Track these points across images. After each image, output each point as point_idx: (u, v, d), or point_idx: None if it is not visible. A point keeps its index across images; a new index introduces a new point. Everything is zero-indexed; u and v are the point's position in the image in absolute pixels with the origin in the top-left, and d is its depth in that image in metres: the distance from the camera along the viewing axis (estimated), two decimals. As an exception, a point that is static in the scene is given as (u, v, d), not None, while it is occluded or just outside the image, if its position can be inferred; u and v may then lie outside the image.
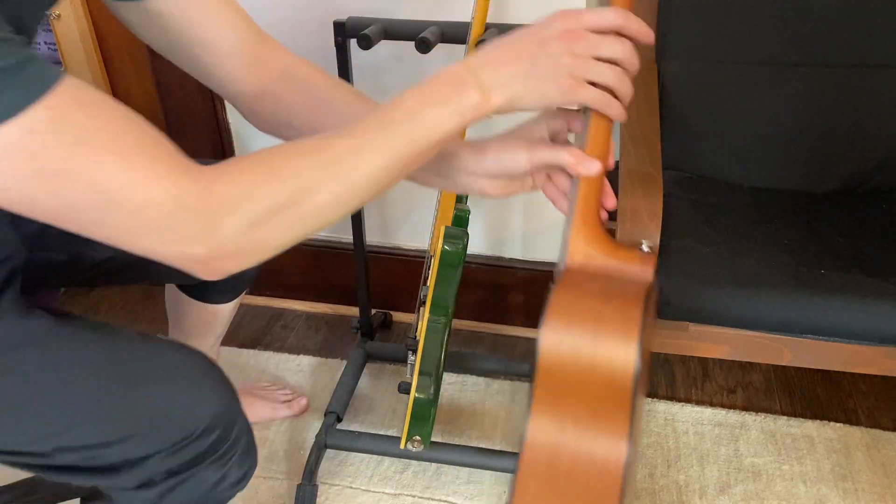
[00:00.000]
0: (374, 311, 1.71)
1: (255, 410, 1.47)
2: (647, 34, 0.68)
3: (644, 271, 0.73)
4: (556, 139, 0.79)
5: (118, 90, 1.64)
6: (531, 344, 1.68)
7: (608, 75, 0.68)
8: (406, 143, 0.66)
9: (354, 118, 0.69)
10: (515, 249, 1.64)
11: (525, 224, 1.60)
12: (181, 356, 0.84)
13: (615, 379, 0.69)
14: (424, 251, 1.68)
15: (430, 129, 0.66)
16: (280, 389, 1.53)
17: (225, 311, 1.26)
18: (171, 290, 1.24)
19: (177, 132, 1.60)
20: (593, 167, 0.72)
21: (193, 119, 1.58)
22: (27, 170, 0.52)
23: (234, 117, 1.59)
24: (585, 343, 0.70)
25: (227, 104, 1.58)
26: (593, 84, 0.68)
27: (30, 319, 0.81)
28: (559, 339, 0.71)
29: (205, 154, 1.60)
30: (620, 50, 0.67)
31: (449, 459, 1.33)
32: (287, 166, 0.62)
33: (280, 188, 0.61)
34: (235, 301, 1.26)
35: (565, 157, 0.73)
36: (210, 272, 0.62)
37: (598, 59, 0.67)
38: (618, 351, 0.69)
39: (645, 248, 0.84)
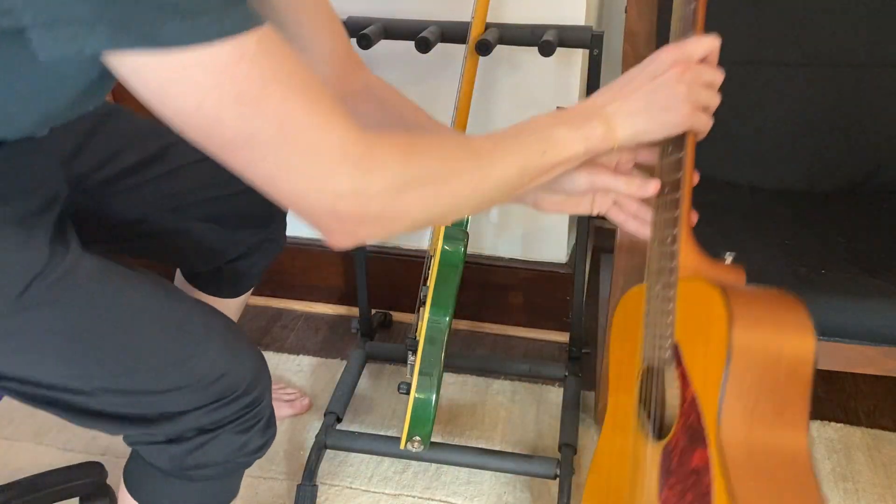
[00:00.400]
0: (374, 311, 1.71)
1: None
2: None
3: (738, 280, 0.81)
4: (619, 168, 0.83)
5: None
6: (531, 344, 1.68)
7: (715, 100, 0.74)
8: (537, 155, 0.70)
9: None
10: (515, 249, 1.64)
11: (525, 224, 1.60)
12: (225, 319, 0.87)
13: (796, 370, 0.71)
14: (424, 251, 1.68)
15: (559, 148, 0.71)
16: (283, 388, 1.53)
17: (231, 307, 1.26)
18: (179, 282, 1.25)
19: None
20: (651, 188, 0.81)
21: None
22: (227, 89, 0.55)
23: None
24: (771, 338, 0.72)
25: None
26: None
27: (96, 257, 0.81)
28: (749, 336, 0.72)
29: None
30: (719, 75, 0.74)
31: (449, 459, 1.33)
32: (439, 146, 0.67)
33: (430, 163, 0.65)
34: (242, 297, 1.27)
35: (622, 186, 0.80)
36: (345, 234, 0.64)
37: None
38: (797, 342, 0.71)
39: (728, 259, 0.92)
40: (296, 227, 1.69)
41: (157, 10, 0.51)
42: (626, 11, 1.51)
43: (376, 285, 1.72)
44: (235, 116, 0.56)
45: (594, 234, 1.92)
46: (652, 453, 0.82)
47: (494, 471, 1.36)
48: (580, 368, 1.51)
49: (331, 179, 0.61)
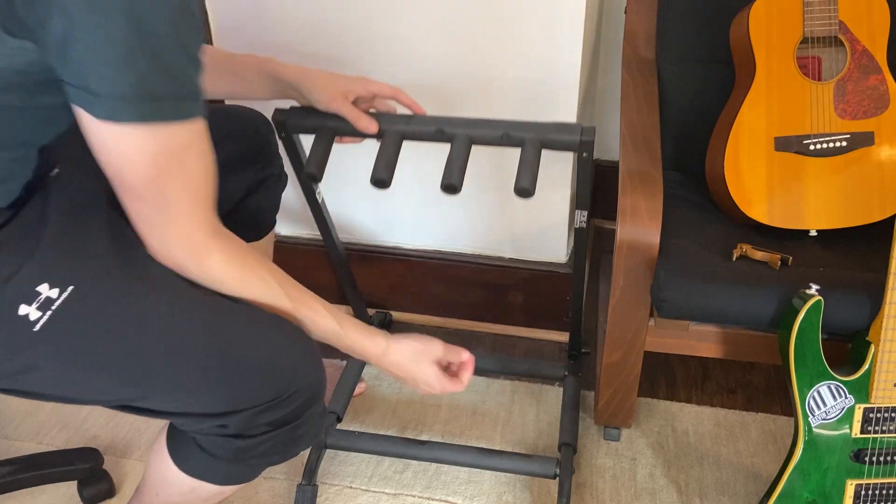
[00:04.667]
0: (374, 311, 1.71)
1: None
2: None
3: None
4: (356, 103, 1.11)
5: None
6: (531, 344, 1.69)
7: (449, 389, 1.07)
8: (320, 337, 0.97)
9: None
10: (515, 249, 1.64)
11: (525, 224, 1.60)
12: (288, 327, 0.94)
13: None
14: (424, 251, 1.68)
15: (341, 346, 0.99)
16: (337, 369, 1.55)
17: (260, 251, 1.29)
18: None
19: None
20: (372, 128, 1.10)
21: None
22: (159, 158, 0.77)
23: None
24: None
25: None
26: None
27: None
28: None
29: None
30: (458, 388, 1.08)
31: (449, 459, 1.33)
32: (253, 290, 0.90)
33: (239, 293, 0.90)
34: (267, 240, 1.34)
35: (359, 121, 1.09)
36: (161, 260, 0.85)
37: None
38: None
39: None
40: (296, 227, 1.70)
41: (127, 98, 0.72)
42: (626, 11, 1.51)
43: (376, 285, 1.72)
44: (150, 178, 0.77)
45: (594, 234, 1.92)
46: (822, 89, 1.26)
47: (494, 470, 1.36)
48: (580, 368, 1.51)
49: (176, 250, 0.84)
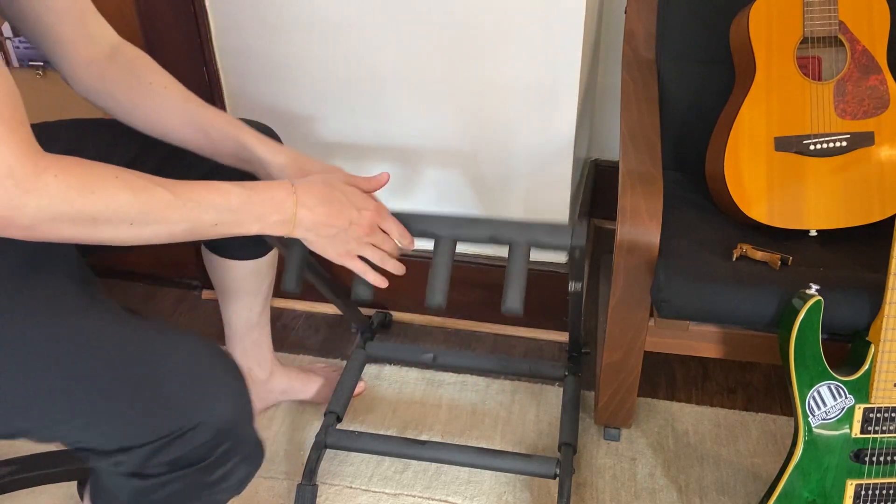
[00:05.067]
0: (373, 311, 1.71)
1: (317, 391, 1.51)
2: (409, 242, 1.02)
3: None
4: None
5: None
6: (531, 344, 1.69)
7: (375, 257, 0.98)
8: (210, 227, 0.80)
9: (171, 102, 0.95)
10: (515, 249, 1.64)
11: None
12: (196, 352, 0.83)
13: None
14: (425, 251, 1.67)
15: (236, 228, 0.82)
16: (336, 371, 1.56)
17: (263, 265, 1.30)
18: (204, 251, 1.29)
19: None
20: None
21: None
22: None
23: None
24: None
25: (220, 72, 1.57)
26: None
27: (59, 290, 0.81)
28: None
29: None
30: (389, 246, 0.99)
31: (449, 459, 1.33)
32: (111, 191, 0.72)
33: (94, 205, 0.71)
34: (271, 255, 1.31)
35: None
36: None
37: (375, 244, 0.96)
38: None
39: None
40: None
41: None
42: (626, 11, 1.51)
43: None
44: None
45: (594, 234, 1.92)
46: (821, 89, 1.26)
47: (494, 470, 1.36)
48: (580, 368, 1.51)
49: None
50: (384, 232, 0.99)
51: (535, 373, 1.54)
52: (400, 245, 0.98)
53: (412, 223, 1.04)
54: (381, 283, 0.98)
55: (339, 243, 0.92)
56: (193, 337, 0.84)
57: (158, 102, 0.99)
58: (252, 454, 0.87)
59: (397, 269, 0.99)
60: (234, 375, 0.84)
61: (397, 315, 1.74)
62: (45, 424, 0.79)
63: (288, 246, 1.03)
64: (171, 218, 0.77)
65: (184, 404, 0.80)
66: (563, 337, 1.67)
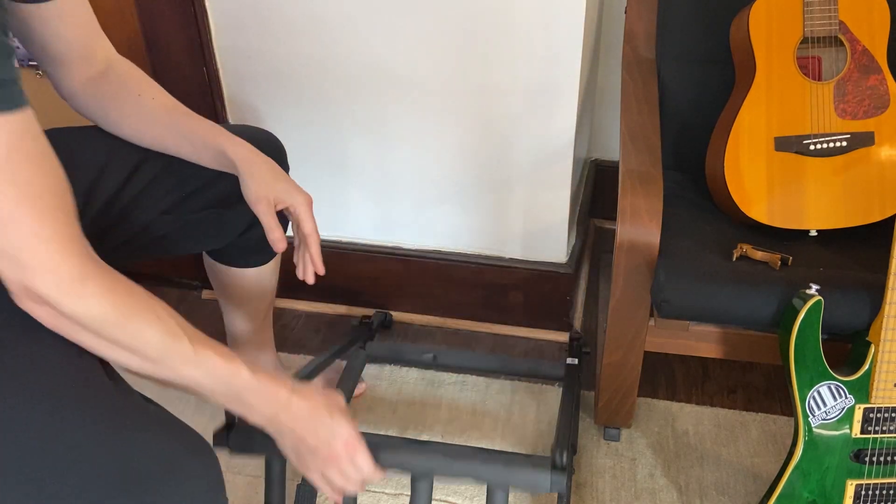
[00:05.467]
0: (373, 311, 1.71)
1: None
2: (379, 476, 0.95)
3: None
4: (287, 214, 1.05)
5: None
6: (531, 344, 1.69)
7: (334, 483, 0.91)
8: (204, 392, 0.80)
9: (157, 112, 1.00)
10: (515, 249, 1.64)
11: (525, 224, 1.61)
12: (170, 447, 0.80)
13: None
14: (424, 251, 1.68)
15: (225, 403, 0.83)
16: (337, 371, 1.55)
17: (265, 273, 1.29)
18: (205, 257, 1.29)
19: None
20: (280, 245, 1.02)
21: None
22: None
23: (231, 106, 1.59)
24: None
25: (220, 72, 1.57)
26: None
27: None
28: None
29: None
30: (353, 479, 0.91)
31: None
32: (144, 326, 0.73)
33: (122, 333, 0.72)
34: (274, 262, 1.31)
35: (272, 232, 1.01)
36: (23, 305, 0.69)
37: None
38: None
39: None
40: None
41: None
42: (626, 11, 1.51)
43: (377, 285, 1.72)
44: None
45: (594, 234, 1.92)
46: (822, 89, 1.26)
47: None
48: (580, 368, 1.51)
49: (36, 278, 0.65)
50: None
51: (534, 373, 1.54)
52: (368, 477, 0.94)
53: (385, 454, 0.98)
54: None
55: (303, 458, 0.90)
56: (169, 427, 0.82)
57: (146, 113, 1.02)
58: None
59: (359, 489, 0.94)
60: (209, 471, 0.82)
61: (397, 315, 1.74)
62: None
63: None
64: (180, 371, 0.78)
65: (153, 496, 0.76)
66: (563, 337, 1.68)
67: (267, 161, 1.03)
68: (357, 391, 1.51)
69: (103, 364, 0.80)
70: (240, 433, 1.02)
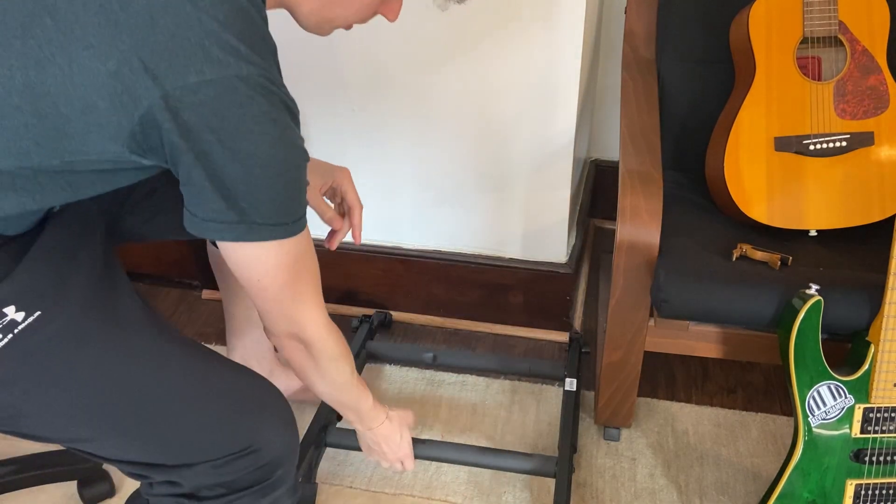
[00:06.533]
0: (373, 311, 1.71)
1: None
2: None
3: None
4: (331, 194, 1.18)
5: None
6: (531, 344, 1.69)
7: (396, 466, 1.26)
8: (342, 408, 1.12)
9: None
10: (515, 249, 1.64)
11: (525, 224, 1.61)
12: (257, 382, 0.97)
13: None
14: (424, 251, 1.68)
15: (344, 413, 1.14)
16: None
17: None
18: (209, 246, 1.31)
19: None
20: (337, 223, 1.17)
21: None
22: (284, 264, 0.85)
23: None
24: None
25: None
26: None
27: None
28: None
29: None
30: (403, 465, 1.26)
31: (448, 457, 1.33)
32: (345, 363, 1.01)
33: (335, 368, 1.00)
34: None
35: (325, 214, 1.16)
36: (277, 331, 0.93)
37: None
38: None
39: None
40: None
41: (270, 224, 0.80)
42: (626, 11, 1.51)
43: (377, 285, 1.72)
44: (280, 279, 0.85)
45: (594, 233, 1.92)
46: (821, 89, 1.26)
47: (494, 469, 1.36)
48: (580, 367, 1.51)
49: (308, 324, 0.92)
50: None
51: (535, 373, 1.54)
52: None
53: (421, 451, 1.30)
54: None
55: (371, 452, 1.23)
56: (251, 371, 0.99)
57: None
58: (294, 488, 1.00)
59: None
60: (287, 409, 0.97)
61: (397, 315, 1.74)
62: (108, 435, 0.88)
63: None
64: (344, 394, 1.07)
65: (247, 425, 0.91)
66: (563, 337, 1.68)
67: None
68: None
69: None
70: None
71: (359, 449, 1.36)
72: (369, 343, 1.61)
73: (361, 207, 1.18)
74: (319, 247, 1.68)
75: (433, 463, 1.39)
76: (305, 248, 0.87)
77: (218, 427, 0.90)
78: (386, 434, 1.18)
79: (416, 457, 1.31)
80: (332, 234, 1.18)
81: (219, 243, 0.82)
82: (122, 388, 0.86)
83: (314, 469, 1.33)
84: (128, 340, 0.88)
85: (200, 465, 0.89)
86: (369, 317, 1.68)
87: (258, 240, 0.80)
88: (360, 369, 1.54)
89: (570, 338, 1.59)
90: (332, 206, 1.18)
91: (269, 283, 0.85)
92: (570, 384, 1.44)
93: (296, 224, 0.82)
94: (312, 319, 0.91)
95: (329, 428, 1.37)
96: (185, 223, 0.80)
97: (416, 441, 1.33)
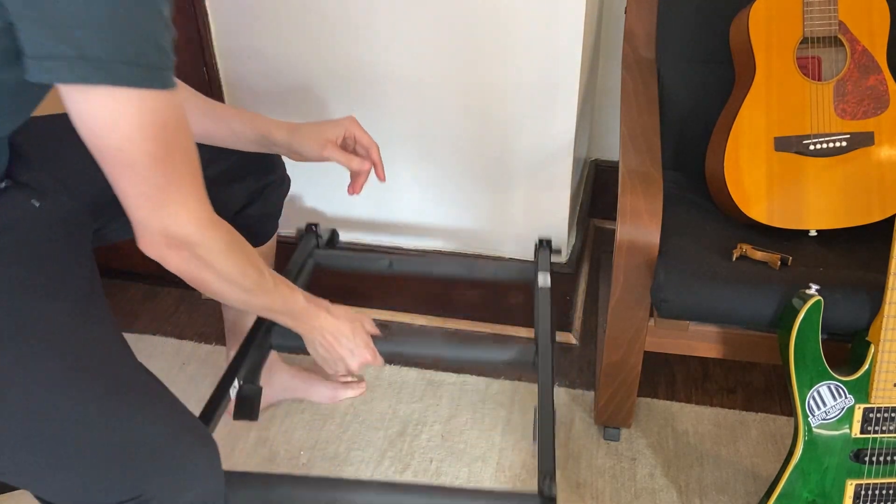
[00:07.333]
0: (319, 226, 1.53)
1: (317, 391, 1.52)
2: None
3: None
4: (345, 145, 1.17)
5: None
6: (531, 344, 1.68)
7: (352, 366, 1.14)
8: (266, 312, 1.03)
9: (199, 104, 1.08)
10: (515, 249, 1.64)
11: (525, 224, 1.61)
12: (171, 424, 0.86)
13: None
14: (424, 251, 1.68)
15: (277, 318, 1.04)
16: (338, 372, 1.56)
17: (262, 254, 1.28)
18: None
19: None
20: (366, 166, 1.17)
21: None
22: (148, 126, 0.72)
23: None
24: None
25: (219, 72, 1.57)
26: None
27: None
28: None
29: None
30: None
31: (416, 352, 1.28)
32: (247, 263, 0.89)
33: (235, 267, 0.87)
34: (269, 244, 1.33)
35: (351, 162, 1.15)
36: (157, 251, 0.80)
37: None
38: None
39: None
40: (296, 228, 1.69)
41: (120, 61, 0.68)
42: (626, 11, 1.51)
43: (377, 285, 1.72)
44: (145, 147, 0.72)
45: (594, 233, 1.92)
46: (821, 89, 1.26)
47: (471, 363, 1.31)
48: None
49: (180, 223, 0.78)
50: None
51: (500, 277, 1.44)
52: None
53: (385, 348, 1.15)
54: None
55: (328, 358, 1.12)
56: (174, 406, 0.87)
57: (190, 105, 1.08)
58: None
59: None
60: (201, 459, 0.86)
61: (397, 315, 1.74)
62: (10, 468, 0.81)
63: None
64: (262, 299, 0.96)
65: (148, 473, 0.82)
66: (562, 337, 1.68)
67: (307, 124, 1.16)
68: (356, 392, 1.52)
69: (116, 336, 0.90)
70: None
71: (305, 350, 1.22)
72: (317, 252, 1.45)
73: (377, 146, 1.18)
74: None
75: (433, 463, 1.39)
76: (176, 117, 0.74)
77: (106, 470, 0.81)
78: (331, 328, 1.08)
79: (383, 354, 1.19)
80: (354, 178, 1.17)
81: (65, 98, 0.69)
82: (15, 412, 0.78)
83: (257, 371, 1.23)
84: (35, 364, 0.80)
85: None
86: (315, 226, 1.50)
87: (109, 83, 0.68)
88: (307, 284, 1.39)
89: (539, 240, 1.45)
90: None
91: (134, 153, 0.71)
92: (544, 280, 1.35)
93: (157, 74, 0.70)
94: (191, 210, 0.78)
95: (273, 329, 1.25)
96: (27, 76, 0.68)
97: (380, 328, 1.21)
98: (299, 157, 1.16)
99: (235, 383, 1.16)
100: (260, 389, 1.22)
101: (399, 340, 1.21)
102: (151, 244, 0.79)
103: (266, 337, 1.24)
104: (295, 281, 1.37)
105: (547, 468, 1.10)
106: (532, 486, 1.37)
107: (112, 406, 0.82)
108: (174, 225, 0.78)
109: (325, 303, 1.09)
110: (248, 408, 1.18)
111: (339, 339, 1.09)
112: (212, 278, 0.85)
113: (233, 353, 1.39)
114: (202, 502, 0.86)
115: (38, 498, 0.85)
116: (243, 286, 0.90)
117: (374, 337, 1.15)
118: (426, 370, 1.60)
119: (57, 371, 0.80)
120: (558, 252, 1.47)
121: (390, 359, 1.20)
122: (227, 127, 1.12)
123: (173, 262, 0.81)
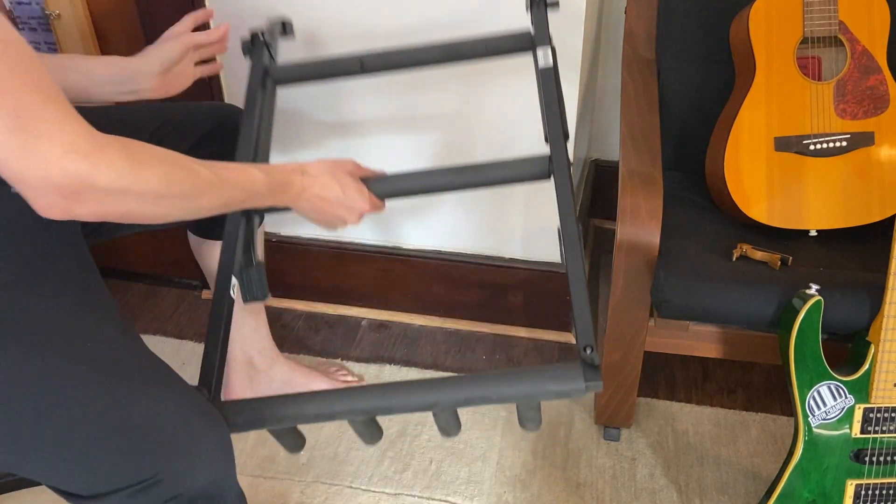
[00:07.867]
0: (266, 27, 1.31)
1: (317, 387, 1.51)
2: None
3: None
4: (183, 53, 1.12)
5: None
6: (531, 344, 1.68)
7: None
8: (237, 201, 0.88)
9: (60, 61, 1.03)
10: (515, 249, 1.64)
11: (525, 224, 1.61)
12: (181, 405, 0.83)
13: None
14: (424, 251, 1.68)
15: (255, 201, 0.91)
16: (339, 371, 1.57)
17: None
18: (191, 238, 1.29)
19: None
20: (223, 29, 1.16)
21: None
22: None
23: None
24: None
25: (224, 89, 1.57)
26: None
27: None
28: None
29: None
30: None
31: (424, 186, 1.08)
32: (167, 168, 0.76)
33: (156, 179, 0.74)
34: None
35: (204, 37, 1.13)
36: (60, 207, 0.68)
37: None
38: None
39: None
40: (296, 228, 1.69)
41: None
42: (626, 11, 1.51)
43: (377, 285, 1.72)
44: None
45: (594, 233, 1.92)
46: (821, 89, 1.26)
47: (487, 185, 1.07)
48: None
49: (59, 163, 0.65)
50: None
51: (492, 49, 1.18)
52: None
53: (412, 393, 0.91)
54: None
55: (325, 221, 1.01)
56: (182, 388, 0.85)
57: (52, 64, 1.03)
58: None
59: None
60: (212, 440, 0.85)
61: (397, 315, 1.74)
62: (16, 457, 0.79)
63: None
64: (211, 198, 0.82)
65: (151, 454, 0.81)
66: (562, 337, 1.68)
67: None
68: (355, 379, 1.53)
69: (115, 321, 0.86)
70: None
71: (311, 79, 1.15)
72: (273, 65, 1.23)
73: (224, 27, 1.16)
74: (291, 243, 1.69)
75: (433, 463, 1.39)
76: (7, 46, 0.64)
77: (118, 454, 0.80)
78: (315, 190, 0.96)
79: (387, 194, 1.07)
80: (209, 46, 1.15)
81: None
82: (24, 408, 0.77)
83: (249, 252, 1.07)
84: (22, 348, 0.78)
85: (111, 495, 0.81)
86: (261, 34, 1.24)
87: None
88: (271, 107, 1.21)
89: None
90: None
91: None
92: (545, 58, 1.10)
93: None
94: (65, 141, 0.66)
95: (272, 62, 1.17)
96: None
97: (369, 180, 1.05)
98: (156, 82, 1.09)
99: (233, 281, 1.02)
100: (261, 264, 1.06)
101: (397, 176, 1.04)
102: (47, 205, 0.67)
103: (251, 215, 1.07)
104: (259, 128, 1.16)
105: (584, 330, 0.90)
106: (532, 485, 1.38)
107: (120, 391, 0.80)
108: (54, 168, 0.65)
109: (297, 164, 0.96)
110: (255, 287, 1.04)
111: (328, 199, 0.97)
112: (137, 205, 0.73)
113: (233, 343, 1.39)
114: (214, 483, 0.85)
115: (51, 487, 0.83)
116: (180, 194, 0.77)
117: (365, 179, 1.01)
118: (426, 370, 1.60)
119: (61, 362, 0.78)
120: (555, 5, 1.18)
121: (393, 195, 1.04)
122: (79, 73, 1.05)
123: (83, 211, 0.69)
